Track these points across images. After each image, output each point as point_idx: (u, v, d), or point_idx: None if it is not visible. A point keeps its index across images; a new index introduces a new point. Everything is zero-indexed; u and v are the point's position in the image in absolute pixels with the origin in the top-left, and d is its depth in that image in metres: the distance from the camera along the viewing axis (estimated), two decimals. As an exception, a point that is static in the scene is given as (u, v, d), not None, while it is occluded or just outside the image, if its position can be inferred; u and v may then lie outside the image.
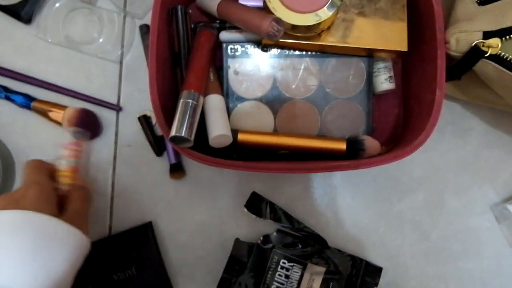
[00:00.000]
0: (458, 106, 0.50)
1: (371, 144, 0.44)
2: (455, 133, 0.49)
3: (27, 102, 0.49)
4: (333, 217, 0.49)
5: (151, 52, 0.40)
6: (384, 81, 0.47)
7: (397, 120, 0.49)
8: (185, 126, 0.38)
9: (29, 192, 0.33)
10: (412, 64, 0.47)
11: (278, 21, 0.39)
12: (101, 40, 0.52)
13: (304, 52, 0.46)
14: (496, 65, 0.39)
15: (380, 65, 0.47)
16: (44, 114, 0.50)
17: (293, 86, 0.46)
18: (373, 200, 0.49)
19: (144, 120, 0.50)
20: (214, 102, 0.43)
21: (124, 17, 0.52)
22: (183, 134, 0.37)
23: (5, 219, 0.31)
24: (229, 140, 0.41)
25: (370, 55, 0.46)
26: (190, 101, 0.39)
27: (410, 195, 0.49)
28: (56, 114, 0.49)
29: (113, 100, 0.51)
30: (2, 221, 0.30)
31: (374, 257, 0.48)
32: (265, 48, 0.45)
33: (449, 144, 0.49)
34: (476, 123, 0.49)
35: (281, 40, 0.42)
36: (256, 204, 0.47)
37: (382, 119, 0.49)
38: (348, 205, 0.49)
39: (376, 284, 0.46)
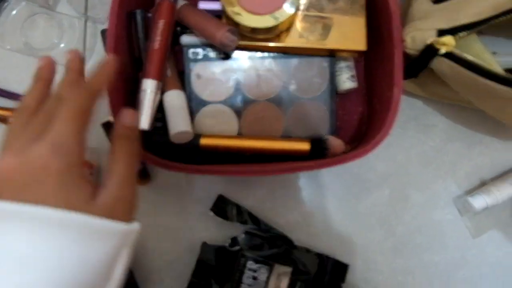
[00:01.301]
0: (420, 102, 0.50)
1: (335, 143, 0.44)
2: (417, 129, 0.50)
3: (-14, 110, 0.48)
4: (301, 217, 0.49)
5: (108, 58, 0.40)
6: (346, 80, 0.47)
7: (361, 118, 0.50)
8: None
9: (52, 165, 0.23)
10: (373, 62, 0.47)
11: (233, 31, 0.39)
12: (62, 45, 0.51)
13: (266, 54, 0.46)
14: (451, 62, 0.40)
15: (342, 64, 0.47)
16: (4, 121, 0.48)
17: (257, 88, 0.46)
18: (340, 198, 0.50)
19: (108, 126, 0.49)
20: (174, 98, 0.43)
21: (85, 22, 0.51)
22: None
23: (21, 215, 0.21)
24: (191, 136, 0.41)
25: (331, 54, 0.46)
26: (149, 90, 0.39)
27: (376, 192, 0.50)
28: None
29: (76, 107, 0.50)
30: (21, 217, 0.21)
31: (343, 254, 0.49)
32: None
33: (412, 140, 0.50)
34: (438, 119, 0.50)
35: (241, 42, 0.42)
36: (222, 207, 0.47)
37: (347, 117, 0.49)
38: (316, 204, 0.50)
39: (343, 281, 0.47)
